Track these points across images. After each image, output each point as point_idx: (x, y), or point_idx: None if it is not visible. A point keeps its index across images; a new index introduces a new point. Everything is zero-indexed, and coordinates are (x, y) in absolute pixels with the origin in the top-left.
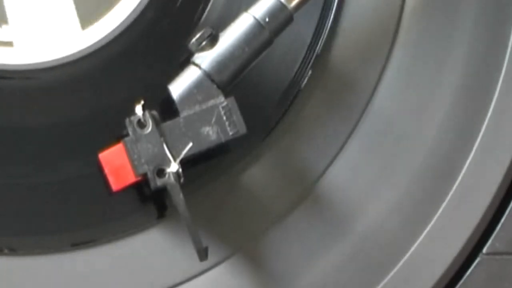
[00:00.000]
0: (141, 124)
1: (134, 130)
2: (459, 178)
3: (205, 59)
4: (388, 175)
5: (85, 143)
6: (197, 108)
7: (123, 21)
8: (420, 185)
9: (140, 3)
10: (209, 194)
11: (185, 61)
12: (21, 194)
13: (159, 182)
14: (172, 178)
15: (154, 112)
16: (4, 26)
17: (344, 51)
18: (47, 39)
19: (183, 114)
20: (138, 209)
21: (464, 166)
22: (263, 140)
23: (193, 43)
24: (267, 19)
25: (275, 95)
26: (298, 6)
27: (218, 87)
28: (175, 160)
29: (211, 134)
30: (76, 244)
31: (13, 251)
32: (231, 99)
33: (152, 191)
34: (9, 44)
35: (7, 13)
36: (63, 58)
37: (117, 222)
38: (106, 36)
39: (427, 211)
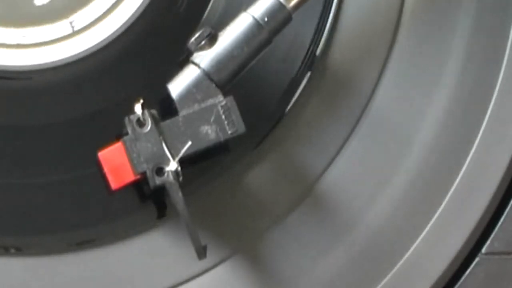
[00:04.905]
0: (141, 123)
1: (133, 129)
2: (458, 178)
3: (204, 58)
4: (387, 175)
5: (85, 142)
6: (196, 107)
7: (124, 22)
8: (419, 185)
9: (141, 3)
10: (209, 194)
11: (184, 60)
12: (20, 194)
13: (158, 180)
14: (171, 177)
15: (153, 111)
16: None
17: (343, 51)
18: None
19: (182, 113)
20: (138, 209)
21: (463, 166)
22: (263, 140)
23: (192, 42)
24: (266, 19)
25: (275, 95)
26: (297, 6)
27: (217, 86)
28: (174, 158)
29: (210, 133)
30: (76, 244)
31: (19, 250)
32: (230, 99)
33: (151, 191)
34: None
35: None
36: (63, 58)
37: (117, 222)
38: (107, 37)
39: (426, 211)
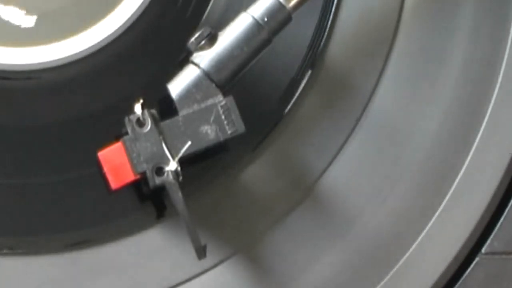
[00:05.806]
0: (140, 122)
1: (133, 129)
2: (458, 178)
3: (204, 58)
4: (387, 175)
5: (85, 142)
6: (196, 107)
7: (124, 22)
8: (419, 185)
9: (141, 3)
10: (209, 194)
11: (184, 60)
12: (20, 194)
13: (158, 180)
14: (171, 177)
15: (153, 111)
16: None
17: (343, 51)
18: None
19: (182, 113)
20: (137, 209)
21: (463, 166)
22: (263, 140)
23: (192, 42)
24: (265, 19)
25: (275, 95)
26: (296, 6)
27: (217, 86)
28: (173, 158)
29: (209, 133)
30: (76, 244)
31: (12, 250)
32: (230, 98)
33: (151, 191)
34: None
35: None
36: (63, 58)
37: (116, 222)
38: (107, 37)
39: (426, 211)
